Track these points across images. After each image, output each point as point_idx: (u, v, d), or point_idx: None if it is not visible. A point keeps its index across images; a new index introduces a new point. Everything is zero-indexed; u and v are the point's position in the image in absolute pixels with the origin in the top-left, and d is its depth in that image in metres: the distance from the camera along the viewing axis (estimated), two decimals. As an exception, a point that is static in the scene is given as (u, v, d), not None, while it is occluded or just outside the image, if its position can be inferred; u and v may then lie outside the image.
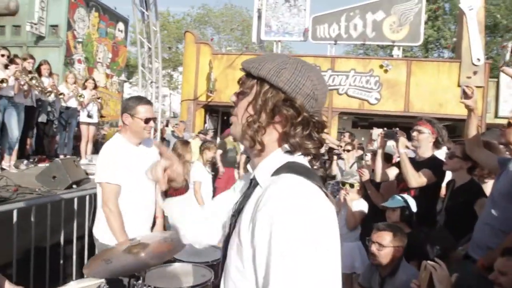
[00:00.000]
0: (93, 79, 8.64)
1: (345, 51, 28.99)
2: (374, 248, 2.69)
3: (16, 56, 6.88)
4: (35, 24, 24.42)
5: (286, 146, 1.08)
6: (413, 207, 3.16)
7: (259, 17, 15.87)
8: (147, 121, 2.75)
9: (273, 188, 0.98)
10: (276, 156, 1.10)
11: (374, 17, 14.73)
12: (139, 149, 2.88)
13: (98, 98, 8.15)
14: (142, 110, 2.76)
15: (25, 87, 6.40)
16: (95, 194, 4.18)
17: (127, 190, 2.75)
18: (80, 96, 7.74)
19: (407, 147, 3.70)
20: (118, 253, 2.07)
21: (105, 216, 2.68)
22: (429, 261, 2.12)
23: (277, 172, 1.05)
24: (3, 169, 6.21)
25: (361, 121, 16.51)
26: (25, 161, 6.98)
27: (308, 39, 15.29)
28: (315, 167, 1.13)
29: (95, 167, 2.86)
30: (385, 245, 2.63)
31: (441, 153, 3.99)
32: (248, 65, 1.11)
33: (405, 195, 3.25)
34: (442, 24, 26.76)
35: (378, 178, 3.77)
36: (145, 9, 10.52)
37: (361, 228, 3.95)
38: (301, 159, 1.09)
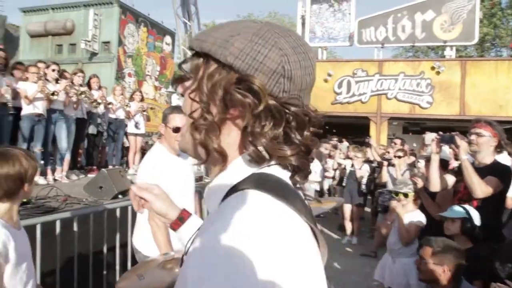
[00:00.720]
0: (140, 92, 8.86)
1: (393, 55, 28.14)
2: (422, 265, 2.43)
3: (64, 71, 7.19)
4: (89, 41, 25.76)
5: (251, 152, 0.71)
6: (476, 219, 2.81)
7: (303, 23, 15.73)
8: (176, 130, 2.67)
9: (220, 208, 0.71)
10: (236, 168, 0.74)
11: (423, 17, 14.13)
12: (178, 158, 2.81)
13: (144, 111, 8.32)
14: (173, 119, 2.70)
15: (74, 99, 6.65)
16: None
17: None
18: (127, 105, 7.95)
19: None
20: (152, 268, 1.97)
21: (151, 228, 2.62)
22: (498, 283, 1.84)
23: (233, 189, 0.72)
24: (55, 179, 6.44)
25: (412, 126, 15.79)
26: (77, 172, 7.23)
27: (354, 43, 14.92)
28: (298, 185, 0.76)
29: (137, 176, 2.84)
30: (436, 262, 2.35)
31: (502, 159, 3.60)
32: (193, 39, 0.77)
33: (467, 206, 2.91)
34: (498, 21, 25.26)
35: (434, 187, 3.35)
36: (187, 20, 10.71)
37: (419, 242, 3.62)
38: (276, 171, 0.73)
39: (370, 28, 14.71)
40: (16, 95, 5.99)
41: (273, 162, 0.73)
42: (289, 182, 0.74)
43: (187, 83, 0.77)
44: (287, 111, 0.71)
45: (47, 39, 28.77)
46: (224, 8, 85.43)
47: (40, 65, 6.73)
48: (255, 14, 36.70)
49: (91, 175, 7.21)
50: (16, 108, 6.03)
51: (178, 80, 0.81)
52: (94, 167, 7.75)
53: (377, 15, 14.79)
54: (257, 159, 0.71)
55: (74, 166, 7.36)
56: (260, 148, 0.70)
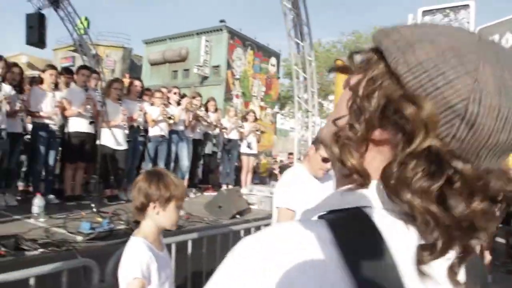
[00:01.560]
0: (254, 112, 9.09)
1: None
2: None
3: (185, 95, 7.73)
4: (201, 66, 27.62)
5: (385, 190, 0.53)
6: None
7: (415, 37, 14.85)
8: (325, 160, 2.58)
9: None
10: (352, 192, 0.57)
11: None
12: (316, 182, 2.72)
13: (257, 131, 8.51)
14: None
15: (193, 123, 7.09)
16: (259, 227, 4.19)
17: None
18: (240, 127, 8.21)
19: None
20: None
21: None
22: None
23: (327, 215, 0.56)
24: (177, 197, 6.83)
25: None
26: (194, 190, 7.61)
27: (476, 55, 13.64)
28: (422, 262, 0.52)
29: (274, 193, 2.83)
30: None
31: None
32: (378, 30, 0.61)
33: None
34: None
35: None
36: (300, 40, 10.80)
37: None
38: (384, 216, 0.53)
39: (494, 36, 13.32)
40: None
41: (395, 208, 0.52)
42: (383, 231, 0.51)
43: (352, 78, 0.60)
44: (453, 164, 0.50)
45: (165, 66, 31.59)
46: (329, 27, 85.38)
47: (164, 90, 7.30)
48: (360, 30, 35.93)
49: (206, 194, 7.53)
50: (145, 130, 6.59)
51: (340, 68, 0.64)
52: (209, 186, 8.09)
53: (501, 22, 13.35)
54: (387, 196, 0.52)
55: (191, 184, 7.76)
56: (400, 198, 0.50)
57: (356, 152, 0.55)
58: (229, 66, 26.92)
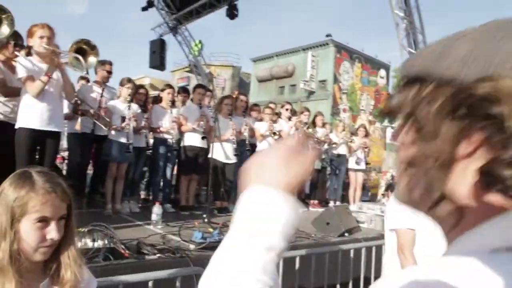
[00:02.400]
0: (365, 127, 8.75)
1: None
2: None
3: (295, 111, 7.77)
4: (307, 81, 27.76)
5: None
6: None
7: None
8: None
9: None
10: (478, 238, 0.45)
11: None
12: None
13: (366, 148, 8.17)
14: None
15: (301, 135, 7.07)
16: (370, 248, 3.95)
17: (419, 239, 2.41)
18: (351, 141, 7.96)
19: None
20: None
21: (400, 263, 2.39)
22: None
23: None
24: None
25: None
26: (301, 205, 7.54)
27: None
28: None
29: (387, 213, 2.63)
30: None
31: None
32: (401, 66, 0.54)
33: None
34: None
35: None
36: (413, 49, 10.21)
37: None
38: None
39: None
40: (252, 133, 6.73)
41: None
42: None
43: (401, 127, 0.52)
44: None
45: (272, 83, 32.45)
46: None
47: (272, 105, 7.42)
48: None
49: (313, 209, 7.40)
50: (251, 145, 6.74)
51: (386, 113, 0.56)
52: (316, 201, 7.95)
53: None
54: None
55: (298, 199, 7.70)
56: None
57: (437, 183, 0.47)
58: (336, 80, 26.61)
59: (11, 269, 1.20)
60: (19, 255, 1.24)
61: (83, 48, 3.91)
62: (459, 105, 0.44)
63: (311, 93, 27.95)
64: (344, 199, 8.35)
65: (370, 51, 28.37)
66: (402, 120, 0.53)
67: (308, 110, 7.76)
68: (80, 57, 3.78)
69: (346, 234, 5.00)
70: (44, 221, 1.26)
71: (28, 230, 1.25)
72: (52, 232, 1.26)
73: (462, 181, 0.45)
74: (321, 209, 6.59)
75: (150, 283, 2.31)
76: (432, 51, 0.49)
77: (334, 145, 7.98)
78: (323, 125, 8.14)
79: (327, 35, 28.36)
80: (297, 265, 3.21)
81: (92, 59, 3.94)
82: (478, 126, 0.43)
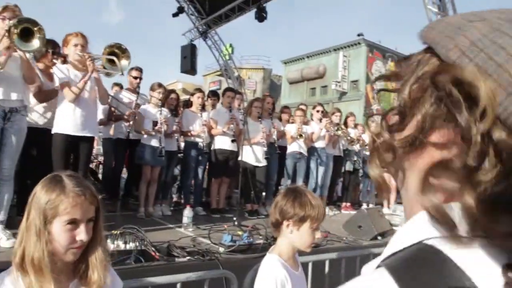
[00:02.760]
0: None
1: None
2: None
3: (327, 112, 7.67)
4: (339, 82, 27.44)
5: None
6: None
7: None
8: None
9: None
10: (413, 225, 0.48)
11: None
12: None
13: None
14: None
15: (333, 139, 6.97)
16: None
17: None
18: (383, 144, 7.81)
19: None
20: None
21: None
22: None
23: (387, 260, 0.46)
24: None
25: None
26: (333, 207, 7.44)
27: None
28: None
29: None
30: None
31: None
32: (422, 28, 0.51)
33: None
34: None
35: None
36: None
37: None
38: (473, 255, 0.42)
39: None
40: (282, 135, 6.69)
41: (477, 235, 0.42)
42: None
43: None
44: None
45: (303, 84, 32.28)
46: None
47: (303, 107, 7.36)
48: None
49: (345, 212, 7.30)
50: (280, 147, 6.71)
51: (388, 77, 0.54)
52: (348, 204, 7.82)
53: None
54: (444, 222, 0.43)
55: (330, 201, 7.62)
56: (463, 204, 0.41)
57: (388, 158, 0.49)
58: (368, 80, 26.15)
59: (48, 268, 1.26)
60: (53, 256, 1.30)
61: (115, 52, 4.02)
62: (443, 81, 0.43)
63: (343, 94, 27.61)
64: (378, 201, 8.18)
65: (404, 49, 27.67)
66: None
67: (339, 111, 7.66)
68: (115, 59, 3.90)
69: (379, 238, 4.89)
70: (74, 223, 1.32)
71: (59, 231, 1.31)
72: (81, 234, 1.32)
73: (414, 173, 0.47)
74: (353, 212, 6.48)
75: (178, 285, 2.34)
76: (455, 23, 0.47)
77: (367, 146, 7.83)
78: (355, 126, 8.00)
79: (359, 34, 27.92)
80: (327, 269, 3.16)
81: (124, 62, 4.04)
82: (454, 115, 0.42)
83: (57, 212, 1.30)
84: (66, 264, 1.35)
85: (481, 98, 0.40)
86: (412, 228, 0.48)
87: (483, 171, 0.41)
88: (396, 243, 0.48)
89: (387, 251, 0.49)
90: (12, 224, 3.40)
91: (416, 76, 0.47)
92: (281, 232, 1.85)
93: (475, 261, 0.41)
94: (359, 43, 27.71)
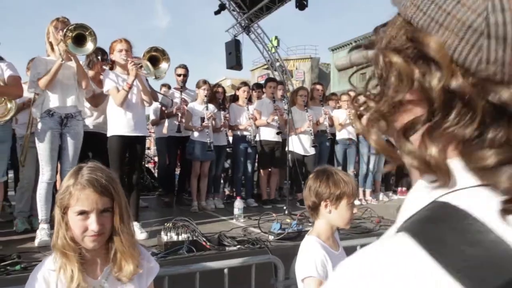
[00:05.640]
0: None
1: None
2: None
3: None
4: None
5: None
6: None
7: None
8: None
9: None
10: (417, 190, 0.51)
11: None
12: None
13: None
14: None
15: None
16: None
17: None
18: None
19: None
20: None
21: None
22: None
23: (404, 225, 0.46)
24: (366, 200, 6.63)
25: None
26: (388, 193, 7.26)
27: None
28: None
29: None
30: None
31: None
32: None
33: None
34: None
35: None
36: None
37: None
38: (470, 200, 0.42)
39: None
40: (332, 122, 6.60)
41: (469, 183, 0.43)
42: (495, 222, 0.40)
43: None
44: (490, 98, 0.41)
45: (352, 70, 31.36)
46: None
47: (351, 93, 7.20)
48: None
49: (402, 197, 7.08)
50: (332, 134, 6.63)
51: (366, 46, 0.54)
52: (404, 188, 7.58)
53: None
54: (440, 177, 0.45)
55: (386, 187, 7.44)
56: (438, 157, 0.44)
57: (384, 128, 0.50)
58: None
59: (72, 253, 1.36)
60: (75, 243, 1.39)
61: (156, 55, 4.19)
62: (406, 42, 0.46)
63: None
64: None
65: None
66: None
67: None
68: (148, 63, 4.06)
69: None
70: (84, 213, 1.37)
71: (72, 221, 1.39)
72: (92, 224, 1.37)
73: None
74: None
75: (225, 270, 2.43)
76: None
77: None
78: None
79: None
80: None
81: (164, 65, 4.20)
82: (413, 77, 0.45)
83: (69, 203, 1.38)
84: (95, 251, 1.43)
85: (431, 52, 0.42)
86: (420, 190, 0.49)
87: (450, 122, 0.43)
88: (409, 209, 0.49)
89: (401, 218, 0.49)
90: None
91: (385, 42, 0.50)
92: (319, 214, 1.87)
93: (490, 212, 0.41)
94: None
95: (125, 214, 1.45)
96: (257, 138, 6.15)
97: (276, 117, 5.99)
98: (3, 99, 3.36)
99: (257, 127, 6.13)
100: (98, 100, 4.49)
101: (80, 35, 3.59)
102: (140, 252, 1.53)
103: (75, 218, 1.38)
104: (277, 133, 6.02)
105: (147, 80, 4.24)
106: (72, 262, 1.36)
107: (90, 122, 4.56)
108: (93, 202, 1.37)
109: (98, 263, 1.46)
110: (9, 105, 3.39)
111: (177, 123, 5.54)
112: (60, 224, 1.38)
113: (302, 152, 6.18)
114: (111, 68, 4.29)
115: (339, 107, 6.88)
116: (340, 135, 6.65)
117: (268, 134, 6.09)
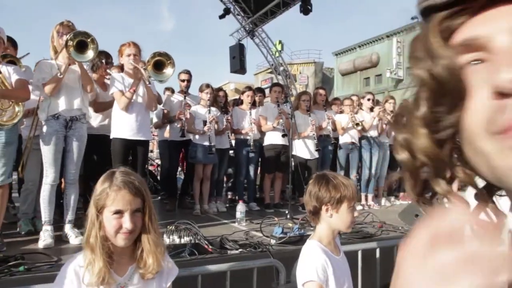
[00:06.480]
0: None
1: None
2: None
3: (378, 101, 7.44)
4: (393, 70, 26.44)
5: None
6: None
7: None
8: None
9: None
10: None
11: None
12: None
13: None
14: None
15: (387, 128, 6.76)
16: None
17: None
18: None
19: None
20: None
21: None
22: None
23: None
24: (369, 205, 6.62)
25: None
26: (390, 198, 7.25)
27: None
28: None
29: None
30: None
31: None
32: None
33: None
34: None
35: None
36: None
37: None
38: None
39: None
40: (335, 126, 6.61)
41: None
42: None
43: None
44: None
45: (356, 75, 31.50)
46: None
47: (354, 97, 7.23)
48: None
49: (403, 202, 7.06)
50: (335, 139, 6.63)
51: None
52: (405, 194, 7.56)
53: None
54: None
55: (389, 192, 7.43)
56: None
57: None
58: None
59: (100, 250, 1.45)
60: (106, 241, 1.48)
61: (161, 60, 4.22)
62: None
63: (398, 81, 26.59)
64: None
65: (463, 30, 26.10)
66: None
67: (392, 98, 7.40)
68: (152, 70, 4.10)
69: (438, 226, 4.71)
70: (119, 212, 1.48)
71: (107, 220, 1.49)
72: (126, 223, 1.48)
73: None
74: (410, 202, 6.26)
75: (227, 274, 2.44)
76: None
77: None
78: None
79: (413, 18, 26.61)
80: (377, 256, 3.13)
81: (169, 70, 4.23)
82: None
83: (105, 204, 1.49)
84: (124, 249, 1.53)
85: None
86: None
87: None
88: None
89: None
90: (80, 224, 3.70)
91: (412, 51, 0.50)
92: (320, 218, 1.88)
93: None
94: (413, 27, 26.47)
95: (153, 215, 1.56)
96: (264, 143, 6.17)
97: (281, 120, 6.00)
98: (10, 102, 3.39)
99: (263, 132, 6.15)
100: (100, 106, 4.54)
101: (82, 41, 3.62)
102: (164, 252, 1.61)
103: (111, 217, 1.48)
104: (283, 135, 6.02)
105: (150, 83, 4.27)
106: (101, 259, 1.45)
107: (95, 124, 4.60)
108: (127, 202, 1.48)
109: (124, 262, 1.55)
110: (17, 109, 3.42)
111: (178, 126, 5.58)
112: (94, 223, 1.49)
113: (305, 156, 6.19)
114: (120, 71, 4.34)
115: (341, 112, 6.89)
116: (343, 139, 6.65)
117: (275, 138, 6.10)
